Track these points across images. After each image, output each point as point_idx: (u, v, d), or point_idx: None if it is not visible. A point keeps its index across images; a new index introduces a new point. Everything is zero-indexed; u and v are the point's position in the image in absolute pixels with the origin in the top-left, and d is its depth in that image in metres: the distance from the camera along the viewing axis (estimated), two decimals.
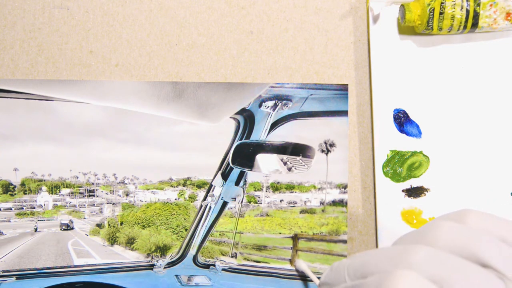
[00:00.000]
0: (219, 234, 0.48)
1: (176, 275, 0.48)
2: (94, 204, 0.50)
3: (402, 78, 0.46)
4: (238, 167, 0.48)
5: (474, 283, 0.20)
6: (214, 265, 0.48)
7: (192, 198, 0.49)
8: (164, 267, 0.48)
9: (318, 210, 0.48)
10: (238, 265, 0.48)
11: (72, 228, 0.49)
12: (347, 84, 0.47)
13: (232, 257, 0.48)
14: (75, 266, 0.48)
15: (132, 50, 0.48)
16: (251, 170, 0.48)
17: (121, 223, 0.49)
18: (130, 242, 0.48)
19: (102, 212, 0.49)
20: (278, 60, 0.48)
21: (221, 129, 0.48)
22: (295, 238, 0.48)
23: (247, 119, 0.48)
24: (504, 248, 0.22)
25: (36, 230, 0.49)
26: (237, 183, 0.48)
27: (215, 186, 0.48)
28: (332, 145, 0.47)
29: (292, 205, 0.49)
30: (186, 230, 0.48)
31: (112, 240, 0.49)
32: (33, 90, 0.47)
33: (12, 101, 0.48)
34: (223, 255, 0.48)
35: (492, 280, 0.21)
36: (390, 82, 0.46)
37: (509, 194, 0.46)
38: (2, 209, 0.49)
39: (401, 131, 0.46)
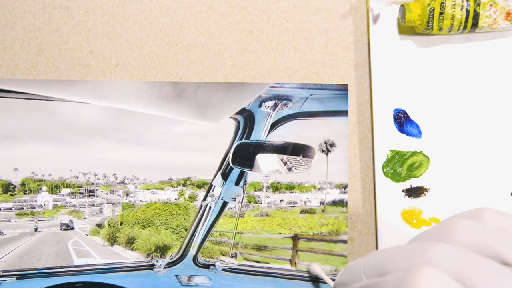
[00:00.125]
0: (219, 234, 0.48)
1: (176, 275, 0.48)
2: (94, 204, 0.50)
3: (402, 78, 0.46)
4: (238, 167, 0.48)
5: (497, 281, 0.20)
6: (214, 265, 0.48)
7: (192, 198, 0.49)
8: (164, 267, 0.48)
9: (318, 210, 0.48)
10: (238, 265, 0.48)
11: (72, 228, 0.49)
12: (347, 84, 0.47)
13: (232, 257, 0.48)
14: (75, 266, 0.48)
15: (132, 50, 0.48)
16: (251, 170, 0.48)
17: (121, 223, 0.49)
18: (130, 242, 0.48)
19: (102, 212, 0.49)
20: (278, 60, 0.48)
21: (221, 129, 0.48)
22: (295, 238, 0.48)
23: (247, 119, 0.48)
24: None
25: (36, 230, 0.49)
26: (237, 183, 0.48)
27: (215, 186, 0.48)
28: (332, 145, 0.47)
29: (292, 205, 0.49)
30: (186, 230, 0.48)
31: (112, 240, 0.49)
32: (33, 90, 0.47)
33: (12, 101, 0.48)
34: (223, 255, 0.48)
35: None
36: (390, 82, 0.46)
37: (509, 194, 0.46)
38: (2, 209, 0.49)
39: (401, 131, 0.46)
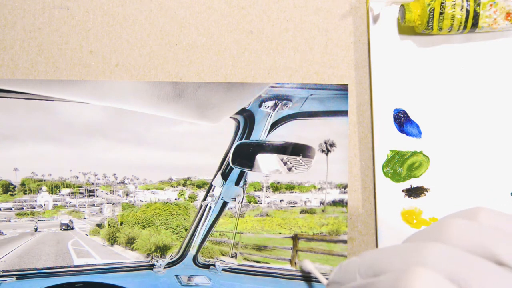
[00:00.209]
0: (219, 234, 0.48)
1: (176, 275, 0.48)
2: (94, 204, 0.50)
3: (402, 78, 0.46)
4: (238, 167, 0.48)
5: (491, 281, 0.20)
6: (214, 265, 0.48)
7: (192, 198, 0.49)
8: (164, 267, 0.48)
9: (318, 210, 0.48)
10: (238, 265, 0.48)
11: (72, 228, 0.49)
12: (347, 84, 0.47)
13: (232, 257, 0.48)
14: (75, 266, 0.48)
15: (132, 50, 0.48)
16: (251, 170, 0.48)
17: (121, 223, 0.49)
18: (130, 242, 0.48)
19: (102, 212, 0.49)
20: (278, 60, 0.48)
21: (221, 129, 0.48)
22: (295, 238, 0.48)
23: (247, 119, 0.48)
24: None
25: (36, 230, 0.49)
26: (237, 183, 0.48)
27: (215, 186, 0.48)
28: (332, 145, 0.47)
29: (292, 205, 0.49)
30: (186, 230, 0.48)
31: (112, 240, 0.49)
32: (33, 90, 0.47)
33: (12, 101, 0.48)
34: (223, 255, 0.48)
35: (509, 279, 0.21)
36: (390, 82, 0.46)
37: (509, 194, 0.46)
38: (2, 209, 0.49)
39: (401, 131, 0.46)
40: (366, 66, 0.47)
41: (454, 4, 0.42)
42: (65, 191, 0.49)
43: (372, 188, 0.47)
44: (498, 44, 0.46)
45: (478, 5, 0.42)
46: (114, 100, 0.47)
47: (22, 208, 0.49)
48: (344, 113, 0.47)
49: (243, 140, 0.48)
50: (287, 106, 0.48)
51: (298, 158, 0.48)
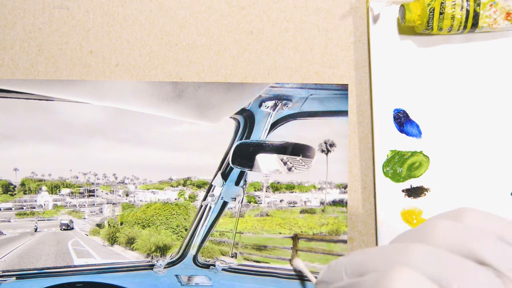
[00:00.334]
0: (219, 234, 0.48)
1: (176, 275, 0.48)
2: (94, 204, 0.50)
3: (402, 78, 0.46)
4: (238, 167, 0.48)
5: (472, 281, 0.20)
6: (214, 265, 0.48)
7: (192, 198, 0.49)
8: (164, 267, 0.48)
9: (318, 210, 0.48)
10: (238, 265, 0.48)
11: (72, 228, 0.49)
12: (347, 84, 0.47)
13: (232, 257, 0.48)
14: (75, 266, 0.48)
15: (132, 50, 0.48)
16: (251, 170, 0.48)
17: (121, 223, 0.49)
18: (130, 242, 0.48)
19: (102, 212, 0.49)
20: (278, 60, 0.48)
21: (221, 129, 0.48)
22: (295, 238, 0.48)
23: (247, 119, 0.48)
24: (501, 246, 0.22)
25: (36, 230, 0.49)
26: (237, 183, 0.48)
27: (215, 186, 0.48)
28: (332, 145, 0.47)
29: (292, 205, 0.49)
30: (186, 230, 0.48)
31: (112, 240, 0.49)
32: (33, 90, 0.47)
33: (12, 101, 0.48)
34: (223, 255, 0.48)
35: (490, 278, 0.21)
36: (390, 82, 0.46)
37: (509, 194, 0.46)
38: (2, 209, 0.49)
39: (401, 131, 0.46)
40: (366, 66, 0.47)
41: (454, 4, 0.42)
42: (65, 191, 0.49)
43: (372, 188, 0.47)
44: (498, 44, 0.46)
45: (478, 5, 0.42)
46: (114, 100, 0.47)
47: (22, 208, 0.49)
48: (344, 113, 0.47)
49: (243, 140, 0.48)
50: (287, 106, 0.48)
51: (298, 158, 0.48)
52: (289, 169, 0.48)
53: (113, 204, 0.49)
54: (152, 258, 0.48)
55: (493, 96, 0.46)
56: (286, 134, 0.48)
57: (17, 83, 0.47)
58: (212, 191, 0.49)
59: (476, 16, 0.42)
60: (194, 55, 0.48)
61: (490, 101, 0.46)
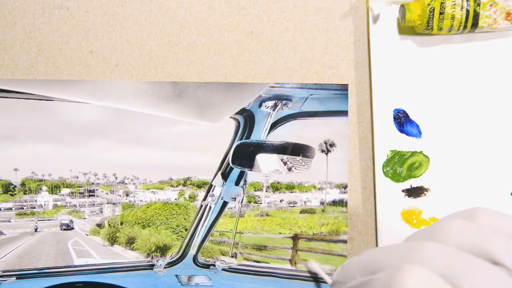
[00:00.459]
0: (219, 234, 0.48)
1: (176, 275, 0.48)
2: (94, 204, 0.50)
3: (402, 78, 0.46)
4: (238, 167, 0.48)
5: (484, 280, 0.20)
6: (214, 265, 0.48)
7: (192, 198, 0.49)
8: (164, 267, 0.48)
9: (318, 210, 0.48)
10: (238, 265, 0.48)
11: (72, 228, 0.49)
12: (347, 84, 0.47)
13: (232, 257, 0.48)
14: (75, 266, 0.48)
15: (132, 50, 0.48)
16: (251, 170, 0.48)
17: (121, 223, 0.49)
18: (130, 242, 0.48)
19: (102, 212, 0.49)
20: (278, 60, 0.48)
21: (221, 129, 0.48)
22: (295, 238, 0.48)
23: (247, 119, 0.48)
24: None
25: (36, 230, 0.49)
26: (237, 183, 0.48)
27: (215, 186, 0.48)
28: (332, 145, 0.47)
29: (292, 205, 0.49)
30: (186, 230, 0.48)
31: (112, 240, 0.49)
32: (33, 90, 0.47)
33: (12, 101, 0.48)
34: (223, 255, 0.48)
35: (503, 278, 0.21)
36: (390, 82, 0.46)
37: (509, 194, 0.46)
38: (2, 209, 0.49)
39: (401, 131, 0.46)
40: (366, 66, 0.47)
41: (454, 4, 0.42)
42: (65, 191, 0.49)
43: (372, 188, 0.47)
44: (498, 44, 0.46)
45: (478, 5, 0.42)
46: (114, 100, 0.47)
47: (22, 208, 0.49)
48: (344, 113, 0.47)
49: (243, 140, 0.48)
50: (287, 106, 0.48)
51: (298, 158, 0.48)
52: (289, 169, 0.48)
53: (113, 204, 0.49)
54: (152, 258, 0.48)
55: (493, 96, 0.46)
56: (286, 134, 0.48)
57: (17, 83, 0.47)
58: (212, 191, 0.49)
59: (476, 16, 0.42)
60: (194, 55, 0.48)
61: (490, 101, 0.46)
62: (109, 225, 0.49)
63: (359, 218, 0.47)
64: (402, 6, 0.44)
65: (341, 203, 0.47)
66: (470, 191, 0.46)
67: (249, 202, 0.48)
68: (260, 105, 0.48)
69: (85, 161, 0.48)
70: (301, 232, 0.48)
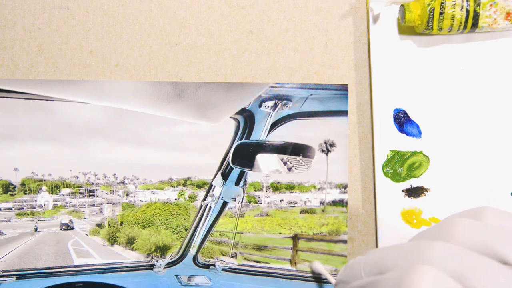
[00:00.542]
0: (219, 234, 0.48)
1: (176, 275, 0.48)
2: (94, 204, 0.50)
3: (402, 78, 0.46)
4: (238, 167, 0.48)
5: (494, 279, 0.20)
6: (214, 265, 0.48)
7: (192, 198, 0.49)
8: (164, 267, 0.48)
9: (318, 210, 0.48)
10: (238, 265, 0.48)
11: (72, 228, 0.49)
12: (347, 84, 0.47)
13: (232, 257, 0.48)
14: (75, 266, 0.48)
15: (132, 50, 0.48)
16: (251, 170, 0.48)
17: (121, 223, 0.49)
18: (130, 242, 0.48)
19: (102, 212, 0.49)
20: (278, 60, 0.48)
21: (221, 129, 0.48)
22: (295, 238, 0.48)
23: (247, 119, 0.48)
24: None
25: (36, 230, 0.49)
26: (237, 183, 0.48)
27: (215, 186, 0.48)
28: (332, 145, 0.47)
29: (292, 205, 0.49)
30: (186, 230, 0.48)
31: (112, 240, 0.49)
32: (33, 90, 0.47)
33: (12, 101, 0.48)
34: (223, 255, 0.48)
35: None
36: (390, 82, 0.46)
37: (509, 194, 0.46)
38: (2, 209, 0.49)
39: (401, 131, 0.46)
40: (366, 66, 0.47)
41: (454, 4, 0.42)
42: (65, 191, 0.49)
43: (372, 188, 0.47)
44: (498, 44, 0.46)
45: (478, 5, 0.42)
46: (114, 100, 0.47)
47: (22, 208, 0.49)
48: (344, 113, 0.47)
49: (243, 140, 0.48)
50: (287, 106, 0.48)
51: (298, 158, 0.48)
52: (289, 169, 0.48)
53: (113, 204, 0.49)
54: (152, 258, 0.48)
55: (493, 96, 0.46)
56: (286, 134, 0.48)
57: (17, 83, 0.47)
58: (212, 191, 0.49)
59: (476, 16, 0.42)
60: (194, 55, 0.48)
61: (490, 101, 0.46)
62: (109, 225, 0.49)
63: (359, 218, 0.47)
64: (402, 6, 0.44)
65: (341, 203, 0.47)
66: (470, 191, 0.46)
67: (249, 202, 0.48)
68: (260, 105, 0.48)
69: (85, 161, 0.48)
70: (301, 232, 0.48)
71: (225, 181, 0.48)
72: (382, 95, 0.46)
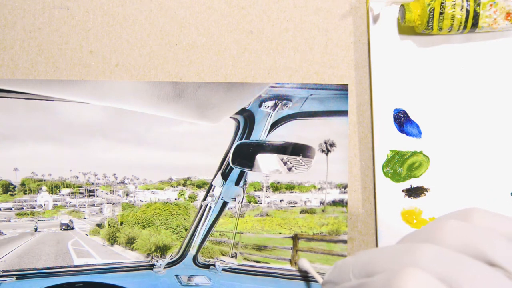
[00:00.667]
0: (219, 234, 0.48)
1: (176, 275, 0.48)
2: (94, 204, 0.50)
3: (402, 78, 0.46)
4: (238, 167, 0.48)
5: (482, 282, 0.20)
6: (214, 265, 0.48)
7: (192, 198, 0.49)
8: (164, 267, 0.48)
9: (318, 210, 0.48)
10: (238, 265, 0.48)
11: (72, 228, 0.49)
12: (347, 84, 0.47)
13: (232, 257, 0.48)
14: (75, 266, 0.48)
15: (132, 50, 0.48)
16: (251, 170, 0.48)
17: (121, 223, 0.49)
18: (130, 242, 0.48)
19: (102, 212, 0.49)
20: (278, 60, 0.48)
21: (221, 129, 0.48)
22: (295, 238, 0.48)
23: (247, 119, 0.48)
24: (511, 246, 0.22)
25: (36, 230, 0.49)
26: (237, 183, 0.48)
27: (215, 186, 0.48)
28: (332, 145, 0.47)
29: (292, 205, 0.49)
30: (186, 230, 0.48)
31: (112, 240, 0.49)
32: (33, 90, 0.47)
33: (12, 101, 0.48)
34: (223, 255, 0.48)
35: (500, 279, 0.21)
36: (390, 82, 0.46)
37: (509, 194, 0.46)
38: (2, 209, 0.49)
39: (401, 131, 0.46)
40: (366, 66, 0.47)
41: (454, 4, 0.42)
42: (65, 191, 0.49)
43: (372, 188, 0.47)
44: (498, 44, 0.46)
45: (478, 5, 0.42)
46: (114, 100, 0.47)
47: (22, 208, 0.49)
48: (344, 113, 0.47)
49: (243, 140, 0.48)
50: (287, 106, 0.48)
51: (298, 158, 0.48)
52: (289, 169, 0.48)
53: (113, 204, 0.49)
54: (152, 258, 0.48)
55: (493, 96, 0.46)
56: (286, 134, 0.48)
57: (17, 83, 0.47)
58: (212, 191, 0.49)
59: (476, 16, 0.42)
60: (194, 55, 0.48)
61: (490, 101, 0.46)
62: (109, 225, 0.49)
63: (359, 218, 0.47)
64: (402, 6, 0.44)
65: (341, 203, 0.47)
66: (470, 191, 0.46)
67: (249, 202, 0.48)
68: (260, 105, 0.48)
69: (85, 161, 0.48)
70: (301, 232, 0.48)
71: (225, 181, 0.48)
72: (382, 95, 0.46)
